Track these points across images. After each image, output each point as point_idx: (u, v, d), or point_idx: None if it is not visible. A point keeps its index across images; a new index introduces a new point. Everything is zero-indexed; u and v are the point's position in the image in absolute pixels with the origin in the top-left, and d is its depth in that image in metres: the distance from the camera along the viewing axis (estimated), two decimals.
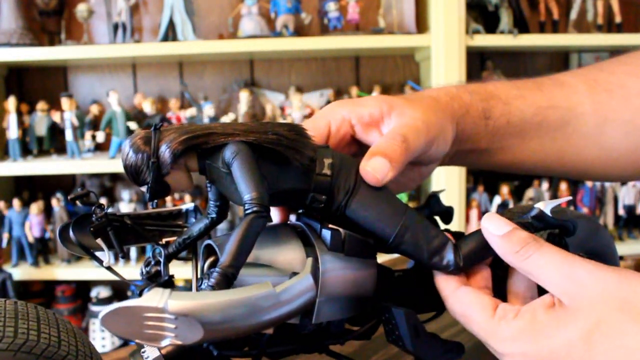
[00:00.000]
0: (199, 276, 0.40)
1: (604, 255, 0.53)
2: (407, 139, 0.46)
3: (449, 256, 0.42)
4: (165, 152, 0.35)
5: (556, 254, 0.38)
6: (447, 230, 0.51)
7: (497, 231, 0.41)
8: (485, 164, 0.62)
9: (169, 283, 0.30)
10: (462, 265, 0.42)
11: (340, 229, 0.41)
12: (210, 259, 0.40)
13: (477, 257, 0.43)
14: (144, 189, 0.36)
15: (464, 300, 0.41)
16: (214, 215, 0.42)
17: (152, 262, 0.41)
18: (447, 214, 0.54)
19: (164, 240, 0.45)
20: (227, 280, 0.33)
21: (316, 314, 0.39)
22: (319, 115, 0.51)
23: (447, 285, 0.42)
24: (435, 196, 0.54)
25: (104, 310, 0.28)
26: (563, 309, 0.37)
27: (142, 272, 0.42)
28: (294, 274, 0.37)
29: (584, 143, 0.63)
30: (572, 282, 0.36)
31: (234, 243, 0.33)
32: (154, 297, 0.28)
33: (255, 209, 0.34)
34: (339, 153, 0.42)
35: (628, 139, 0.63)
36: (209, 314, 0.29)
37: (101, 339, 1.85)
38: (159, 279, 0.32)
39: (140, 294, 0.32)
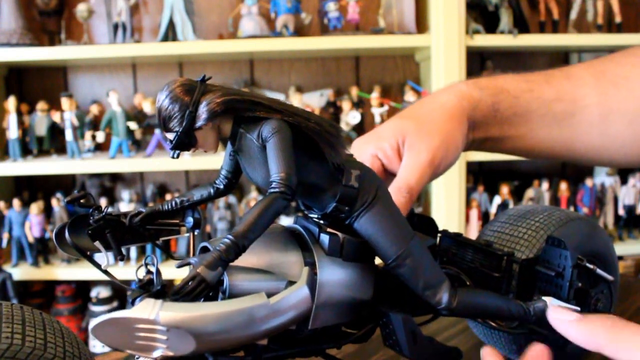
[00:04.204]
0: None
1: (602, 256, 0.53)
2: (411, 188, 0.53)
3: (443, 294, 0.41)
4: (205, 106, 0.35)
5: None
6: (445, 230, 0.51)
7: (570, 317, 0.40)
8: (501, 149, 0.69)
9: (161, 293, 0.30)
10: (453, 307, 0.42)
11: (339, 233, 0.40)
12: None
13: (472, 309, 0.43)
14: (169, 136, 0.35)
15: None
16: (220, 186, 0.42)
17: (145, 270, 0.40)
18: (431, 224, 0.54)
19: (161, 240, 0.44)
20: (237, 251, 0.32)
21: (312, 320, 0.39)
22: None
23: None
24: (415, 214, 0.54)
25: (94, 320, 0.28)
26: None
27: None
28: (290, 282, 0.37)
29: (589, 132, 0.66)
30: None
31: (253, 215, 0.33)
32: (145, 308, 0.28)
33: (282, 189, 0.34)
34: (361, 163, 0.42)
35: (632, 127, 0.66)
36: (201, 325, 0.29)
37: None
38: (151, 288, 0.32)
39: (132, 303, 0.32)
